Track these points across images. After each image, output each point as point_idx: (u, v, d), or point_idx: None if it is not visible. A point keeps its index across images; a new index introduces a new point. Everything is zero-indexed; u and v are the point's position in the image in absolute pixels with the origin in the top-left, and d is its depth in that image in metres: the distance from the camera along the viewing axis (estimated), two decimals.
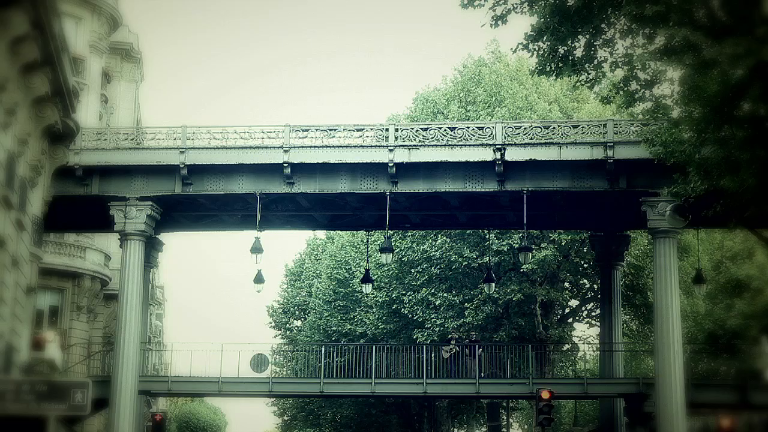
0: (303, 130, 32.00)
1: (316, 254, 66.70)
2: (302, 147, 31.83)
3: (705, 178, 22.16)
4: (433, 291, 45.41)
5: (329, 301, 56.65)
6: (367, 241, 43.72)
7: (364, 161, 31.77)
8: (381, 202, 32.32)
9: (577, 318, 49.76)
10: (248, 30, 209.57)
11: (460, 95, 47.27)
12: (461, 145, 31.31)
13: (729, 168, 20.17)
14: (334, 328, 55.01)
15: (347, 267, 55.46)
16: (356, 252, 54.37)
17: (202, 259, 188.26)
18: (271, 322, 69.17)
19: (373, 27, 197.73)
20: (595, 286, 45.75)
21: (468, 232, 43.32)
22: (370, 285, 39.72)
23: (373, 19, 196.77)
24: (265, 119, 40.51)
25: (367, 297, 49.75)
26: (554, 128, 31.08)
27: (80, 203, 33.02)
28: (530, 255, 35.39)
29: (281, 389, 38.74)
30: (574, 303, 48.96)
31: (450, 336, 37.64)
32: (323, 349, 36.60)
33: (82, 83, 40.00)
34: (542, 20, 21.51)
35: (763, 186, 19.76)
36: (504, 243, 42.69)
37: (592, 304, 48.31)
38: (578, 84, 23.82)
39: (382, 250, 33.85)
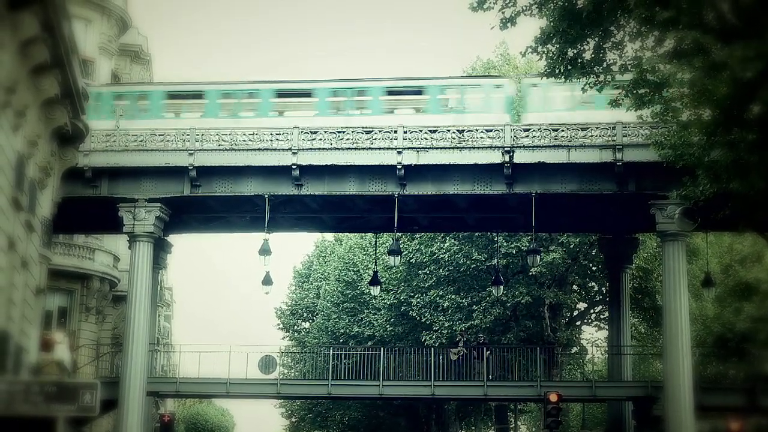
0: (311, 132, 32.04)
1: (324, 256, 66.73)
2: (311, 149, 31.87)
3: (714, 181, 22.10)
4: (441, 293, 45.37)
5: (337, 303, 56.69)
6: (375, 243, 43.74)
7: (373, 163, 31.80)
8: (389, 204, 32.33)
9: (585, 321, 49.72)
10: (253, 30, 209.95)
11: None
12: (470, 147, 31.31)
13: (738, 171, 20.13)
14: (342, 330, 55.03)
15: (355, 269, 55.48)
16: (364, 254, 54.37)
17: (210, 260, 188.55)
18: (279, 324, 69.27)
19: (378, 28, 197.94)
20: (604, 288, 45.67)
21: (476, 234, 43.30)
22: (378, 287, 39.74)
23: (378, 20, 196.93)
24: (272, 121, 40.72)
25: (375, 299, 49.77)
26: (563, 130, 31.03)
27: (89, 205, 33.11)
28: (539, 257, 35.35)
29: (289, 391, 38.83)
30: (582, 306, 48.90)
31: (458, 338, 37.63)
32: (331, 350, 36.58)
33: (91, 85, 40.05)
34: (551, 23, 21.50)
35: None
36: (512, 245, 42.65)
37: (600, 306, 48.26)
38: (587, 87, 23.79)
39: (390, 252, 33.87)
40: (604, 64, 22.56)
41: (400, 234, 37.59)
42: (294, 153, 31.79)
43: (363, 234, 52.55)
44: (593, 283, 47.66)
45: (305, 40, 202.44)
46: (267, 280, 33.55)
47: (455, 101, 33.66)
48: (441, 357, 34.96)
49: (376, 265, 41.04)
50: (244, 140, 32.21)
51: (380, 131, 31.82)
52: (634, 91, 23.10)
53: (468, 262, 44.17)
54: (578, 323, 49.46)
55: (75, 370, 34.11)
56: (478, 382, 34.32)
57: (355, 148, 31.75)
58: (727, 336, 38.17)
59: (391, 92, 34.23)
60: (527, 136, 31.10)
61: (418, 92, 33.88)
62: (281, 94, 34.41)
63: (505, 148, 31.01)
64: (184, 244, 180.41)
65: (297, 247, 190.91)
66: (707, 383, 33.84)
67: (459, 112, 33.16)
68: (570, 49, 22.17)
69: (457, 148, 31.34)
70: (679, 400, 29.89)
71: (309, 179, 32.26)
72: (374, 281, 37.95)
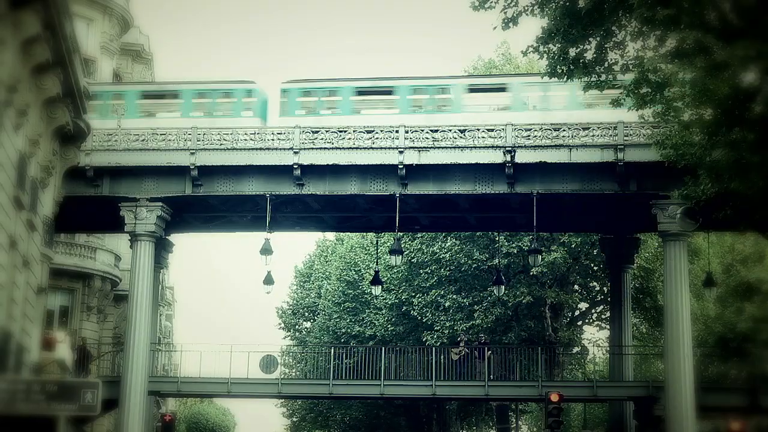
0: (313, 132, 32.04)
1: (326, 256, 66.74)
2: (312, 149, 31.86)
3: (715, 181, 22.11)
4: (442, 293, 45.37)
5: (338, 303, 56.68)
6: (377, 242, 43.76)
7: (374, 163, 31.80)
8: (391, 203, 32.32)
9: (586, 321, 49.69)
10: (256, 30, 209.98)
11: None
12: (471, 147, 31.30)
13: (739, 171, 20.12)
14: (344, 330, 55.03)
15: (356, 269, 55.48)
16: (366, 254, 54.38)
17: (212, 260, 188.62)
18: (280, 324, 69.28)
19: (379, 28, 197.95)
20: (605, 288, 45.67)
21: (477, 234, 43.29)
22: (380, 287, 39.72)
23: (380, 20, 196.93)
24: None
25: (376, 299, 49.76)
26: (564, 130, 31.02)
27: (91, 204, 33.12)
28: (540, 257, 35.33)
29: (290, 390, 38.79)
30: (583, 306, 48.88)
31: (459, 338, 37.63)
32: (332, 350, 36.54)
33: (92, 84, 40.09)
34: (553, 22, 21.49)
35: None
36: (514, 245, 42.64)
37: (601, 306, 48.24)
38: (589, 86, 23.77)
39: (392, 252, 33.86)
40: (606, 64, 22.54)
41: (401, 233, 37.58)
42: (295, 152, 31.79)
43: (364, 233, 52.55)
44: (594, 283, 47.66)
45: (307, 40, 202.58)
46: (268, 280, 33.53)
47: (208, 105, 34.03)
48: (442, 357, 34.93)
49: (377, 264, 41.03)
50: (246, 139, 32.21)
51: (382, 131, 31.83)
52: (636, 91, 23.08)
53: (469, 261, 44.16)
54: (579, 323, 49.43)
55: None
56: (479, 382, 34.30)
57: (356, 148, 31.75)
58: (728, 336, 38.12)
59: (147, 96, 35.07)
60: (528, 135, 31.08)
61: (175, 95, 34.31)
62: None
63: (507, 148, 31.01)
64: (185, 244, 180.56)
65: (298, 247, 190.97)
66: (708, 383, 33.79)
67: (210, 116, 33.67)
68: (571, 49, 22.16)
69: (459, 147, 31.33)
70: (680, 401, 29.86)
71: (310, 179, 32.25)
72: (375, 281, 37.93)
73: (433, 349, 37.01)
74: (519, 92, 33.70)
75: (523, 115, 32.47)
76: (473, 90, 33.97)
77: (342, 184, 32.31)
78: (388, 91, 34.17)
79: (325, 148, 31.82)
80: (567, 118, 31.50)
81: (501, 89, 34.26)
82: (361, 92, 34.23)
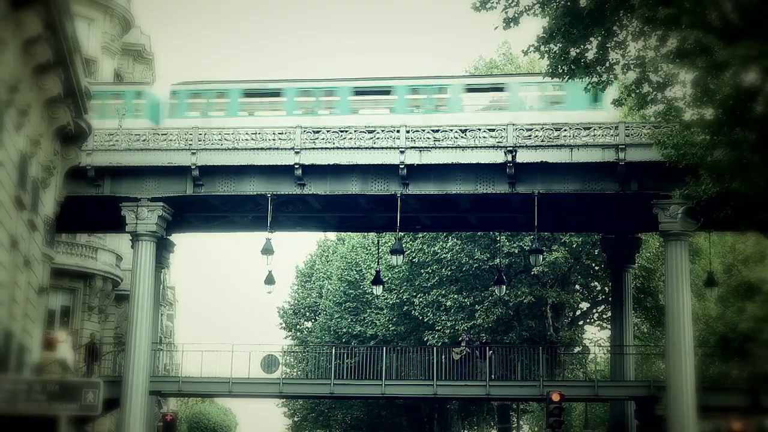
0: (314, 132, 32.05)
1: (327, 256, 66.73)
2: (313, 148, 31.88)
3: (717, 181, 22.11)
4: (443, 293, 45.35)
5: (340, 303, 56.68)
6: (378, 242, 43.76)
7: (375, 163, 31.82)
8: (392, 203, 32.33)
9: (587, 320, 49.67)
10: (256, 30, 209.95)
11: None
12: (472, 147, 31.31)
13: (741, 170, 20.12)
14: (345, 330, 55.03)
15: (358, 268, 55.48)
16: (367, 253, 54.37)
17: (213, 260, 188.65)
18: (281, 324, 69.28)
19: (380, 28, 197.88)
20: (606, 288, 45.64)
21: (479, 234, 43.28)
22: (381, 286, 39.73)
23: (381, 20, 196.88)
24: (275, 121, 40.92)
25: (377, 298, 49.76)
26: (565, 130, 31.01)
27: (92, 204, 33.14)
28: (541, 257, 35.32)
29: (291, 390, 38.79)
30: (584, 305, 48.85)
31: (460, 338, 37.63)
32: (334, 350, 36.57)
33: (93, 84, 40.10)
34: (554, 22, 21.51)
35: None
36: (515, 245, 42.62)
37: (603, 306, 48.22)
38: (590, 86, 23.78)
39: (393, 252, 33.86)
40: (607, 64, 22.54)
41: (402, 233, 37.57)
42: (297, 152, 31.80)
43: (365, 233, 52.53)
44: (596, 283, 47.63)
45: (307, 40, 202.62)
46: (269, 280, 33.55)
47: (98, 107, 33.91)
48: (443, 356, 34.92)
49: (378, 264, 41.06)
50: (247, 139, 32.22)
51: (383, 131, 31.84)
52: (637, 91, 23.08)
53: (470, 261, 44.14)
54: (581, 323, 49.40)
55: (77, 369, 34.16)
56: (480, 382, 34.31)
57: (357, 148, 31.76)
58: (729, 336, 38.11)
59: None
60: (530, 135, 31.09)
61: None
62: None
63: (508, 148, 31.01)
64: (186, 244, 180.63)
65: (299, 247, 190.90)
66: (710, 383, 33.77)
67: (101, 117, 33.13)
68: (573, 49, 22.17)
69: (460, 147, 31.33)
70: (681, 400, 29.87)
71: (311, 178, 32.26)
72: (377, 281, 37.95)
73: (435, 348, 36.99)
74: (403, 94, 33.88)
75: (411, 117, 32.68)
76: (359, 92, 34.06)
77: (343, 183, 32.32)
78: (275, 93, 34.28)
79: (326, 148, 31.83)
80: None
81: (386, 92, 34.40)
82: (249, 94, 34.33)
